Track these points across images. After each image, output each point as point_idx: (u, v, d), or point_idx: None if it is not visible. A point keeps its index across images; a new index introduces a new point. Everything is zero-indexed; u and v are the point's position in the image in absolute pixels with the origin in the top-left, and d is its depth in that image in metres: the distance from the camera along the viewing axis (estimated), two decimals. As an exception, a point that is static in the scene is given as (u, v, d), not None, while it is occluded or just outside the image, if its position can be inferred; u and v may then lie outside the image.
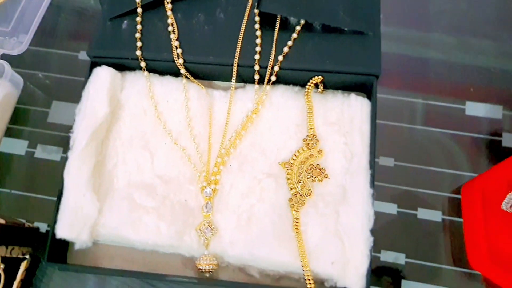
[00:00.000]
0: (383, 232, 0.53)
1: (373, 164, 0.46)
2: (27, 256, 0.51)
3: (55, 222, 0.46)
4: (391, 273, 0.52)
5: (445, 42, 0.64)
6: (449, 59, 0.62)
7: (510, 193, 0.46)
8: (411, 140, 0.58)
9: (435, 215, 0.53)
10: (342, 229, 0.45)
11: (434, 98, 0.60)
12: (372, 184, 0.46)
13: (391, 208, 0.54)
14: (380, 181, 0.55)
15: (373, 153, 0.47)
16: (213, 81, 0.54)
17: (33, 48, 0.64)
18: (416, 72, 0.62)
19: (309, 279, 0.43)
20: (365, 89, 0.51)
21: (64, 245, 0.48)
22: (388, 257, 0.52)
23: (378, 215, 0.52)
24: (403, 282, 0.51)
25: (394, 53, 0.63)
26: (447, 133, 0.58)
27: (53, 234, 0.46)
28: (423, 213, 0.54)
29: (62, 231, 0.45)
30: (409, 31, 0.65)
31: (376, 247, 0.51)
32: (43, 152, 0.59)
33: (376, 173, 0.51)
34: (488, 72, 0.62)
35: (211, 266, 0.45)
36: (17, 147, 0.59)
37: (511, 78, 0.61)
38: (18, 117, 0.61)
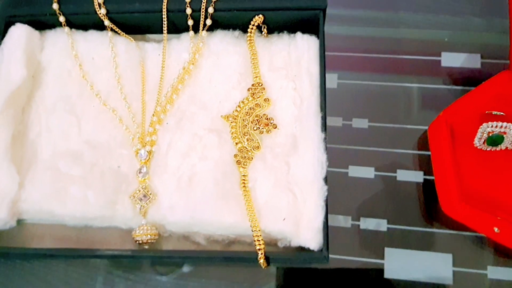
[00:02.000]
0: (361, 199, 0.50)
1: (324, 106, 0.42)
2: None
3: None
4: (372, 241, 0.48)
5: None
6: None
7: (481, 127, 0.41)
8: (385, 98, 0.54)
9: (416, 176, 0.50)
10: (293, 181, 0.41)
11: (408, 52, 0.56)
12: (324, 128, 0.41)
13: (368, 172, 0.50)
14: (354, 144, 0.52)
15: (323, 94, 0.42)
16: (145, 35, 0.49)
17: None
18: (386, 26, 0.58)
19: (258, 240, 0.39)
20: (312, 26, 0.46)
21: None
22: (369, 224, 0.48)
23: (355, 181, 0.50)
24: (386, 250, 0.47)
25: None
26: (423, 87, 0.54)
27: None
28: (403, 175, 0.50)
29: (-24, 210, 0.40)
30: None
31: (355, 215, 0.48)
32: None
33: (350, 136, 0.47)
34: (463, 20, 0.58)
35: (150, 236, 0.41)
36: None
37: (488, 24, 0.57)
38: None
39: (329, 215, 0.41)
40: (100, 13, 0.46)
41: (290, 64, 0.45)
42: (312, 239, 0.38)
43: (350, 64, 0.57)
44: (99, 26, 0.47)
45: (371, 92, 0.55)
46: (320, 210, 0.39)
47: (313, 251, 0.39)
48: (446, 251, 0.46)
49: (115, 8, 0.46)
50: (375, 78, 0.55)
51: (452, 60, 0.55)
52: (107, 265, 0.47)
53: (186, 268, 0.45)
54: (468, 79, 0.54)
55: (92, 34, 0.47)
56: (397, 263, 0.45)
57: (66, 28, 0.47)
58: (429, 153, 0.49)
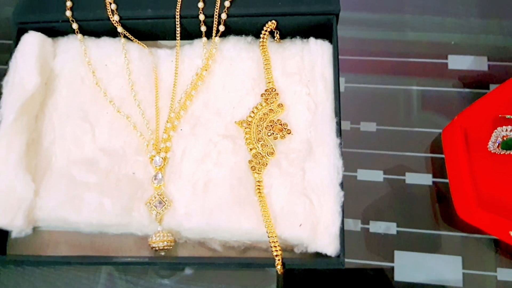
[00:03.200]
0: (370, 202, 0.49)
1: (338, 111, 0.42)
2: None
3: (-15, 208, 0.41)
4: (382, 244, 0.48)
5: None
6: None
7: (495, 131, 0.41)
8: (393, 102, 0.54)
9: (425, 179, 0.49)
10: (309, 187, 0.40)
11: (414, 55, 0.56)
12: (339, 133, 0.41)
13: (377, 176, 0.50)
14: (363, 148, 0.52)
15: (338, 98, 0.42)
16: (158, 41, 0.49)
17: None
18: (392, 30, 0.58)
19: (275, 246, 0.38)
20: (325, 31, 0.46)
21: (1, 235, 0.43)
22: (378, 228, 0.48)
23: (363, 184, 0.50)
24: (396, 253, 0.47)
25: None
26: (430, 90, 0.54)
27: (-16, 223, 0.40)
28: (412, 178, 0.50)
29: (-7, 218, 0.40)
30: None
31: (365, 219, 0.48)
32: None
33: (358, 140, 0.47)
34: (469, 23, 0.57)
35: (166, 242, 0.41)
36: None
37: (494, 26, 0.57)
38: None
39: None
40: (113, 20, 0.46)
41: (303, 69, 0.45)
42: (329, 245, 0.38)
43: (357, 67, 0.56)
44: (112, 33, 0.47)
45: (378, 95, 0.54)
46: (337, 216, 0.39)
47: (330, 256, 0.39)
48: (455, 254, 0.46)
49: (128, 14, 0.46)
50: (382, 81, 0.55)
51: (459, 63, 0.55)
52: (110, 268, 0.46)
53: (188, 271, 0.45)
54: (475, 82, 0.54)
55: (105, 41, 0.47)
56: (406, 266, 0.45)
57: (79, 35, 0.47)
58: (437, 155, 0.49)
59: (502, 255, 0.46)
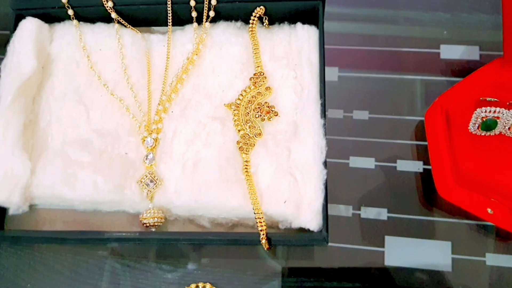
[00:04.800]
0: (362, 188, 0.50)
1: (323, 94, 0.43)
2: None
3: (-17, 186, 0.42)
4: (373, 230, 0.48)
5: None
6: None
7: (475, 112, 0.42)
8: (385, 90, 0.54)
9: (416, 166, 0.50)
10: (294, 166, 0.42)
11: (406, 44, 0.56)
12: (323, 115, 0.42)
13: (369, 163, 0.51)
14: (355, 135, 0.52)
15: (323, 81, 0.43)
16: (151, 28, 0.50)
17: None
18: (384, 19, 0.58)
19: (260, 222, 0.40)
20: (312, 17, 0.47)
21: (0, 213, 0.44)
22: (369, 213, 0.49)
23: (355, 171, 0.50)
24: (387, 238, 0.47)
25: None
26: (423, 79, 0.54)
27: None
28: (403, 165, 0.50)
29: (-9, 194, 0.42)
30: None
31: (356, 204, 0.48)
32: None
33: (350, 128, 0.48)
34: (462, 13, 0.58)
35: (156, 219, 0.42)
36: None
37: (486, 18, 0.57)
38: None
39: (330, 205, 0.41)
40: (107, 6, 0.47)
41: (291, 53, 0.46)
42: (312, 220, 0.40)
43: (351, 57, 0.57)
44: (106, 19, 0.48)
45: (371, 84, 0.55)
46: (320, 193, 0.40)
47: (313, 232, 0.40)
48: (445, 239, 0.46)
49: (121, 1, 0.47)
50: (375, 71, 0.55)
51: (451, 52, 0.55)
52: (113, 255, 0.47)
53: (191, 266, 0.46)
54: (467, 71, 0.54)
55: (100, 26, 0.49)
56: (397, 251, 0.46)
57: (75, 21, 0.48)
58: (426, 143, 0.50)
59: (491, 240, 0.46)
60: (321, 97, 0.43)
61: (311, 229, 0.40)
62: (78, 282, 0.45)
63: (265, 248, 0.41)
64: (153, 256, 0.46)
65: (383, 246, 0.46)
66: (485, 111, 0.42)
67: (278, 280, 0.45)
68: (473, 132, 0.44)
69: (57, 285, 0.45)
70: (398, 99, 0.53)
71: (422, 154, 0.50)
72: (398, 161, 0.50)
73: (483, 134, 0.45)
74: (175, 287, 0.45)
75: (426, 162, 0.49)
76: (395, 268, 0.45)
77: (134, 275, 0.45)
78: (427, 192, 0.48)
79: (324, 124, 0.42)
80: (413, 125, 0.52)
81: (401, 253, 0.46)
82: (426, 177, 0.49)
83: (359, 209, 0.49)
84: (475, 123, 0.43)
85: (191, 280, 0.45)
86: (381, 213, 0.48)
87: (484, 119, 0.43)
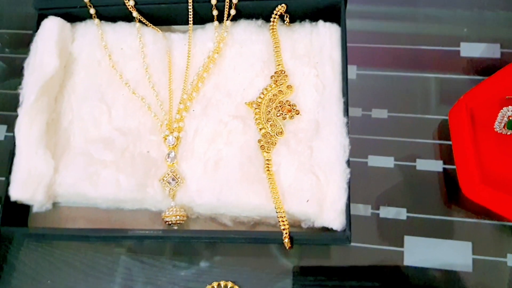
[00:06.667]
0: (380, 188, 0.49)
1: (346, 92, 0.43)
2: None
3: (8, 184, 0.43)
4: (392, 229, 0.48)
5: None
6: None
7: (501, 111, 0.42)
8: (404, 88, 0.54)
9: (436, 165, 0.49)
10: (317, 164, 0.42)
11: (426, 42, 0.56)
12: (346, 113, 0.42)
13: (388, 162, 0.50)
14: (374, 134, 0.52)
15: (345, 79, 0.43)
16: (171, 26, 0.50)
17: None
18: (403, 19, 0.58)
19: (282, 220, 0.40)
20: (334, 14, 0.47)
21: (24, 211, 0.45)
22: (388, 213, 0.48)
23: (374, 170, 0.50)
24: (406, 238, 0.47)
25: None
26: (442, 77, 0.54)
27: (7, 197, 0.43)
28: (422, 164, 0.50)
29: (15, 192, 0.43)
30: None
31: (375, 204, 0.48)
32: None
33: (369, 126, 0.47)
34: (483, 10, 0.57)
35: (178, 217, 0.42)
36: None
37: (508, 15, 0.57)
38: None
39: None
40: (128, 5, 0.47)
41: (312, 51, 0.46)
42: (335, 220, 0.40)
43: (369, 55, 0.56)
44: (128, 18, 0.49)
45: (390, 82, 0.54)
46: (343, 192, 0.40)
47: (336, 231, 0.40)
48: (465, 239, 0.46)
49: (143, 0, 0.47)
50: (394, 68, 0.55)
51: (471, 50, 0.54)
52: (131, 252, 0.47)
53: (203, 264, 0.46)
54: (488, 69, 0.53)
55: (121, 25, 0.49)
56: (416, 251, 0.45)
57: (96, 20, 0.48)
58: (448, 142, 0.48)
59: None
60: (343, 95, 0.43)
61: (334, 228, 0.40)
62: (96, 279, 0.46)
63: (287, 248, 0.40)
64: (169, 254, 0.46)
65: (402, 246, 0.46)
66: (511, 110, 0.42)
67: (294, 278, 0.44)
68: (498, 131, 0.44)
69: (76, 282, 0.46)
70: (417, 97, 0.53)
71: (442, 153, 0.49)
72: (417, 160, 0.50)
73: (508, 133, 0.44)
74: (192, 284, 0.45)
75: (446, 161, 0.49)
76: (415, 268, 0.45)
77: (151, 272, 0.46)
78: (447, 192, 0.48)
79: (347, 123, 0.42)
80: (432, 123, 0.51)
81: (421, 253, 0.45)
82: (446, 177, 0.48)
83: (378, 209, 0.48)
84: (500, 122, 0.43)
85: (207, 277, 0.45)
86: (400, 213, 0.48)
87: (510, 118, 0.42)
